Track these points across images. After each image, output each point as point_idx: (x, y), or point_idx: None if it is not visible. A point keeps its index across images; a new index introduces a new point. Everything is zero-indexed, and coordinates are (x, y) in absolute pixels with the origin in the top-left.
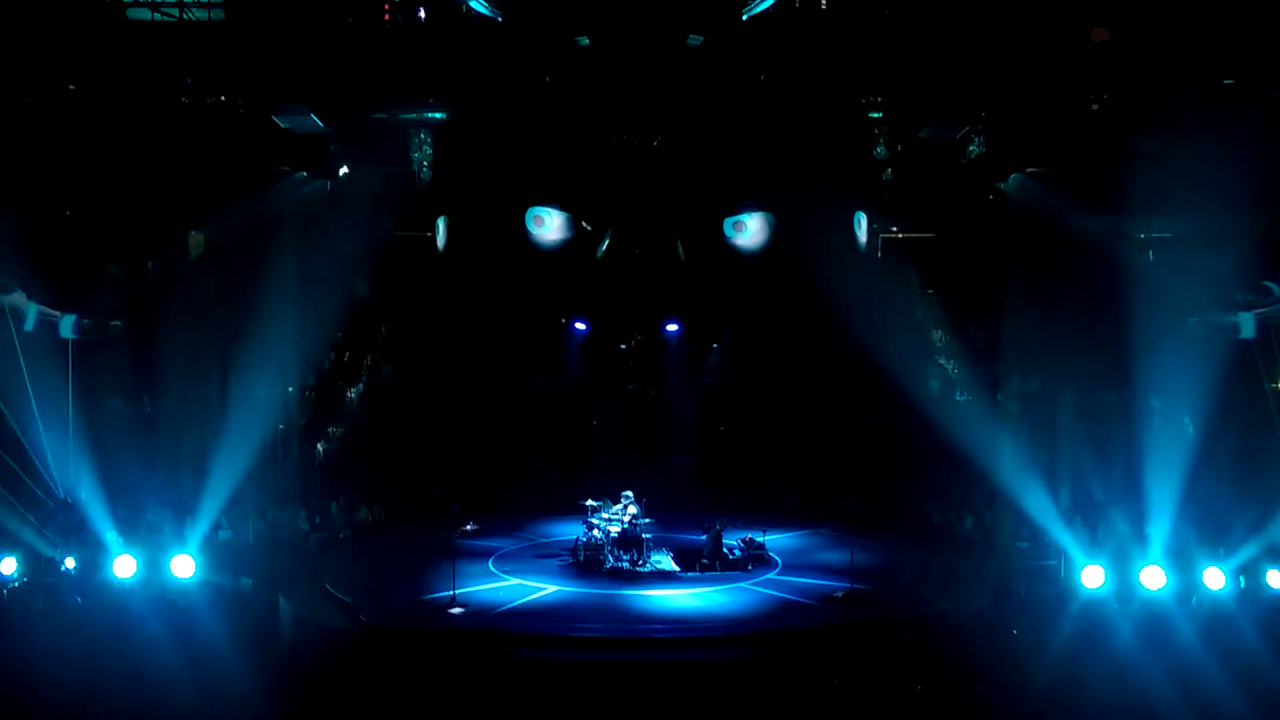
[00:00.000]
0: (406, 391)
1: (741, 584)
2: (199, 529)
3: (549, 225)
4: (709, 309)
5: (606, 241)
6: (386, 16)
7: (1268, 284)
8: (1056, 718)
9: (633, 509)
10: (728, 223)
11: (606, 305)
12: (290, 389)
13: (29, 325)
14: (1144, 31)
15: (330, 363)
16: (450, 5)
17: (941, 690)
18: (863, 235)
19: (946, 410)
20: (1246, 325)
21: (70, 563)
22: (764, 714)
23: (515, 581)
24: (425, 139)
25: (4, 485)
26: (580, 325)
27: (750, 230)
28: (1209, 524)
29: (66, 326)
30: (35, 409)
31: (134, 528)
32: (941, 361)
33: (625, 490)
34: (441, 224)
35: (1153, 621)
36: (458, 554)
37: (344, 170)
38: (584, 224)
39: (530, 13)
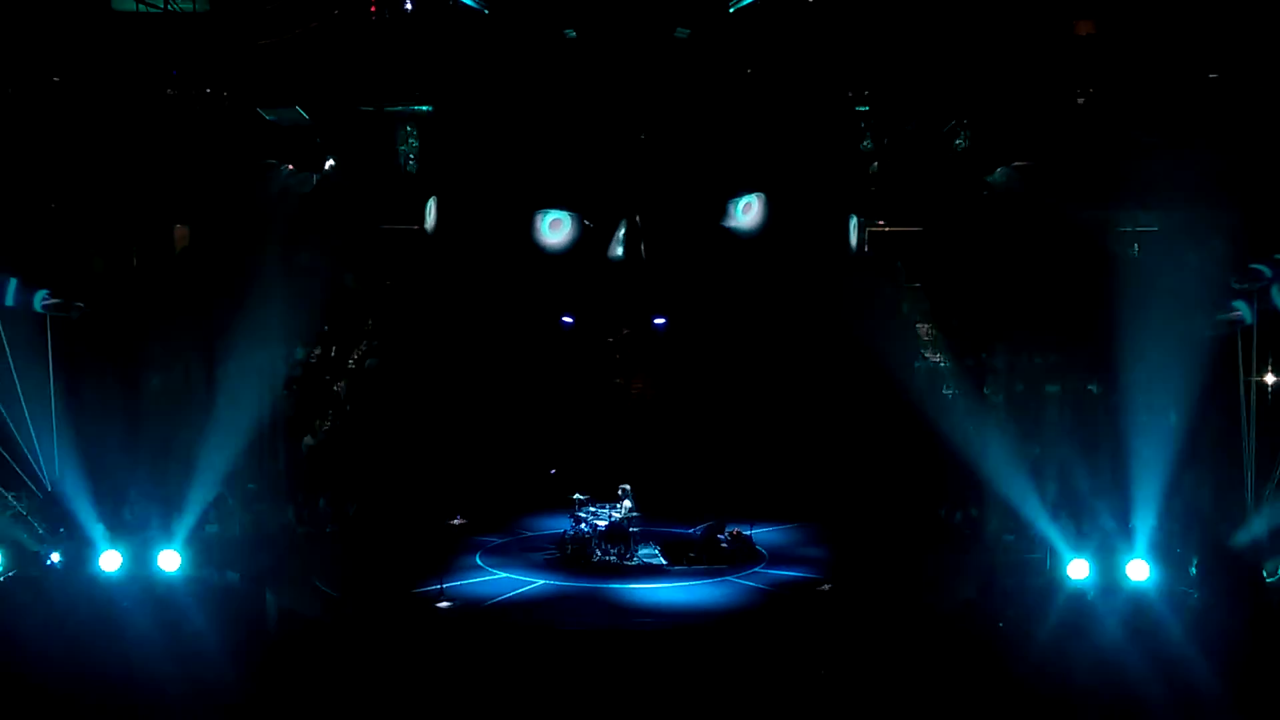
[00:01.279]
0: (393, 385)
1: (728, 577)
2: (185, 523)
3: (566, 228)
4: (697, 303)
5: (622, 242)
6: (373, 9)
7: (1256, 266)
8: (1042, 709)
9: (627, 503)
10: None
11: (595, 299)
12: (277, 382)
13: (9, 300)
14: (1129, 25)
15: (316, 356)
16: None
17: (928, 681)
18: (852, 230)
19: (933, 403)
20: (1247, 312)
21: (56, 557)
22: (749, 705)
23: (502, 575)
24: (411, 132)
25: None
26: (567, 319)
27: (741, 219)
28: (1194, 517)
29: (37, 301)
30: (22, 401)
31: (120, 521)
32: (928, 354)
33: (623, 484)
34: (431, 204)
35: (1138, 613)
36: (445, 548)
37: (330, 163)
38: (585, 222)
39: (516, 5)
